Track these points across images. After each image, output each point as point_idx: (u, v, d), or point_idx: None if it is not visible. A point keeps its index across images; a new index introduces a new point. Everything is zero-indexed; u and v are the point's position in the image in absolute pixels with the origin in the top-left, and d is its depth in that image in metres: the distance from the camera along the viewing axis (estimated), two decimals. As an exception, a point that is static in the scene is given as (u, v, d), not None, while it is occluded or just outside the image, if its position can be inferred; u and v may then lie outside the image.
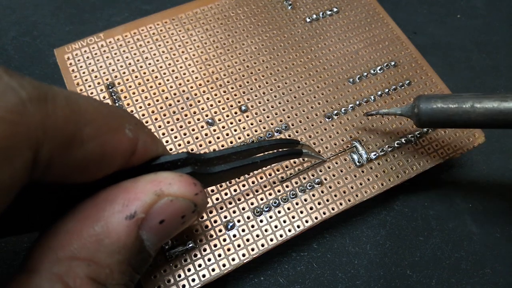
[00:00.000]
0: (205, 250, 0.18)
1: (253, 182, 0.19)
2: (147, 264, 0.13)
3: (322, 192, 0.19)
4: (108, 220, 0.11)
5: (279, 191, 0.19)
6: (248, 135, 0.20)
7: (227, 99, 0.21)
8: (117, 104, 0.21)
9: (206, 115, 0.21)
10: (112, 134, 0.12)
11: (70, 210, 0.12)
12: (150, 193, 0.12)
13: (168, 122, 0.20)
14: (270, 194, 0.19)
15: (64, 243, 0.11)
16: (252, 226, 0.18)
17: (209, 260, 0.18)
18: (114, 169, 0.12)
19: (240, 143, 0.20)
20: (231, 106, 0.21)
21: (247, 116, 0.21)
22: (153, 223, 0.12)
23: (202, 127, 0.20)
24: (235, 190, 0.19)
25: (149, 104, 0.21)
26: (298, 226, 0.19)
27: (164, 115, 0.21)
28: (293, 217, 0.19)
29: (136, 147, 0.12)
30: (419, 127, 0.19)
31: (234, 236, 0.18)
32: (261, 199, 0.19)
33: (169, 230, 0.13)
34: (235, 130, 0.20)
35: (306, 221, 0.19)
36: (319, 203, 0.19)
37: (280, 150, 0.18)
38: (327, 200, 0.19)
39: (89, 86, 0.21)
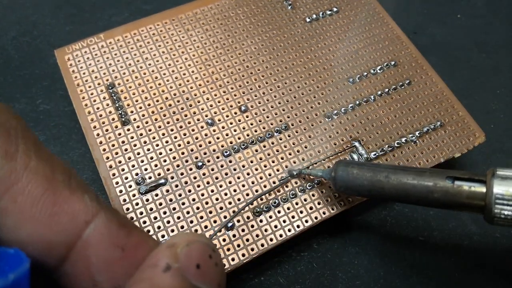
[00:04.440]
0: (205, 250, 0.18)
1: (252, 182, 0.19)
2: None
3: (322, 192, 0.19)
4: (152, 280, 0.11)
5: (278, 191, 0.19)
6: (248, 135, 0.20)
7: (227, 99, 0.21)
8: (117, 105, 0.21)
9: (206, 115, 0.21)
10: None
11: None
12: (165, 249, 0.12)
13: (168, 123, 0.20)
14: (269, 194, 0.19)
15: None
16: (252, 226, 0.18)
17: (209, 260, 0.18)
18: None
19: (240, 143, 0.20)
20: (231, 106, 0.21)
21: (247, 116, 0.21)
22: (192, 270, 0.12)
23: (202, 127, 0.20)
24: (234, 190, 0.19)
25: (149, 105, 0.21)
26: (298, 226, 0.19)
27: (164, 115, 0.21)
28: (293, 217, 0.19)
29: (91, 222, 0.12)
30: (336, 191, 0.19)
31: (234, 236, 0.18)
32: (261, 199, 0.19)
33: (209, 274, 0.12)
34: (235, 130, 0.20)
35: (306, 221, 0.19)
36: (319, 203, 0.19)
37: None
38: (327, 200, 0.19)
39: (89, 86, 0.21)
